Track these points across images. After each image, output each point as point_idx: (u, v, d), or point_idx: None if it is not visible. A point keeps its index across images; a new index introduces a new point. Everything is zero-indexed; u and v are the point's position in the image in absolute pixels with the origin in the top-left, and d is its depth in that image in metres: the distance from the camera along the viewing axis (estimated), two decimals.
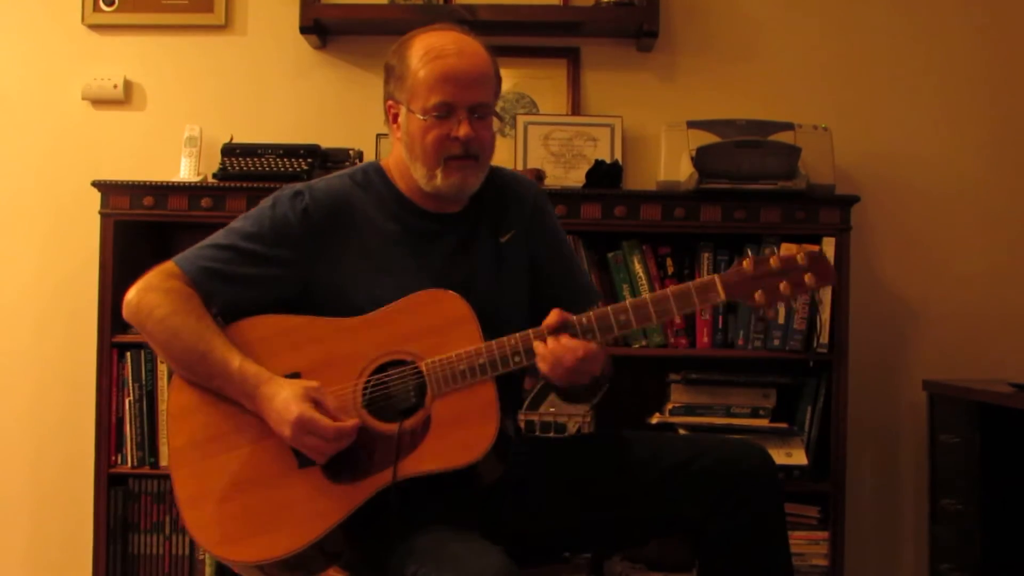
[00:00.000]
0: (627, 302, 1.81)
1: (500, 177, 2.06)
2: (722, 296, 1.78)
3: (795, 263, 1.78)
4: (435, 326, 1.82)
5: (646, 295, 1.83)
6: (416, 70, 1.87)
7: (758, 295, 1.78)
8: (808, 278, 1.77)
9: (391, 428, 1.78)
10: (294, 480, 1.78)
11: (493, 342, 1.79)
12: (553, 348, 1.77)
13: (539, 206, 2.07)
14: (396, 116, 1.95)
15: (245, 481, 1.80)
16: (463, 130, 1.86)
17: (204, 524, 1.80)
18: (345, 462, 1.78)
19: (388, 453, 1.77)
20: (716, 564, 1.85)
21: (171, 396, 1.87)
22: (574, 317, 1.80)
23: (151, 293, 1.85)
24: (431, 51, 1.88)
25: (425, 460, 1.76)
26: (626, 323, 1.80)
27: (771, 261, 1.78)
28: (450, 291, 1.82)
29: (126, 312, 1.87)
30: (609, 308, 1.80)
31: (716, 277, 1.79)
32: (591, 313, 1.80)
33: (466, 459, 1.75)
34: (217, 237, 1.92)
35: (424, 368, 1.79)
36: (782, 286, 1.77)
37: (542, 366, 1.78)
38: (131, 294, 1.87)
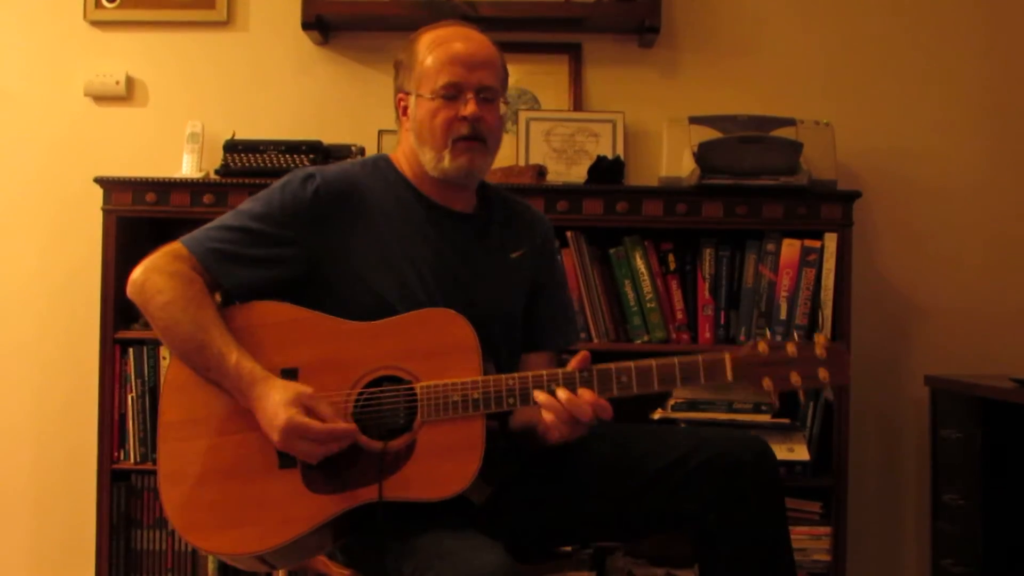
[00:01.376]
0: (632, 364, 1.77)
1: (515, 202, 2.09)
2: (729, 378, 1.74)
3: (812, 354, 1.73)
4: (438, 348, 1.80)
5: (652, 361, 1.78)
6: (424, 57, 1.92)
7: (766, 382, 1.73)
8: (822, 373, 1.73)
9: (375, 445, 1.77)
10: (272, 480, 1.78)
11: (490, 378, 1.78)
12: (570, 402, 1.73)
13: (549, 238, 2.11)
14: (406, 108, 1.97)
15: (225, 470, 1.80)
16: (469, 108, 1.88)
17: (179, 505, 1.80)
18: (323, 471, 1.77)
19: (368, 469, 1.75)
20: (716, 558, 1.85)
21: (171, 368, 1.86)
22: (577, 372, 1.78)
23: (156, 275, 1.84)
24: (438, 39, 1.93)
25: (404, 487, 1.74)
26: (627, 385, 1.77)
27: (788, 348, 1.74)
28: (460, 315, 1.81)
29: (130, 290, 1.87)
30: (612, 367, 1.77)
31: (727, 355, 1.75)
32: (593, 368, 1.78)
33: (443, 493, 1.73)
34: (226, 218, 1.92)
35: (418, 391, 1.78)
36: (793, 377, 1.73)
37: (547, 417, 1.75)
38: (136, 273, 1.86)
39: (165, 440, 1.83)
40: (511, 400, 1.77)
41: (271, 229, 1.88)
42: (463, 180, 1.94)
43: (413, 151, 1.96)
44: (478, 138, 1.90)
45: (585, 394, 1.74)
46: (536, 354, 2.03)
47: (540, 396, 1.75)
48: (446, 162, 1.90)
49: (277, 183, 1.94)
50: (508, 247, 2.01)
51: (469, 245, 1.97)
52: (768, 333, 1.80)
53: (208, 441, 1.81)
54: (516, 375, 1.78)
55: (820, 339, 1.75)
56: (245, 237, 1.88)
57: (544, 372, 1.79)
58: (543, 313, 2.06)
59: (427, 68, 1.90)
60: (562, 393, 1.74)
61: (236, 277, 1.87)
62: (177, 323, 1.82)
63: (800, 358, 1.73)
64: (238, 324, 1.84)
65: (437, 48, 1.91)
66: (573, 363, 1.78)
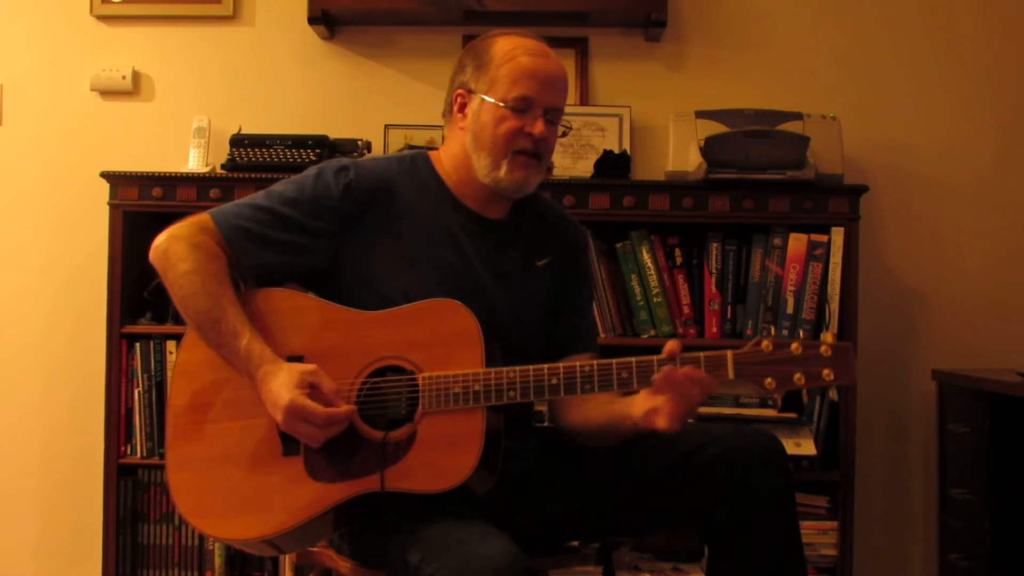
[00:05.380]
0: (633, 360, 1.74)
1: (547, 206, 2.08)
2: (730, 376, 1.70)
3: (817, 354, 1.69)
4: (442, 338, 1.80)
5: (654, 357, 1.73)
6: (502, 61, 1.90)
7: (768, 381, 1.69)
8: (826, 373, 1.68)
9: (376, 435, 1.77)
10: (275, 467, 1.79)
11: (491, 370, 1.77)
12: (685, 379, 1.68)
13: (580, 245, 2.10)
14: (464, 105, 1.95)
15: (230, 456, 1.81)
16: (538, 127, 1.88)
17: (184, 490, 1.82)
18: (325, 458, 1.77)
19: (368, 458, 1.76)
20: (726, 553, 1.85)
21: (181, 353, 1.88)
22: (578, 368, 1.76)
23: (180, 243, 1.83)
24: (520, 47, 1.91)
25: (404, 478, 1.74)
26: (627, 381, 1.75)
27: (792, 346, 1.69)
28: (464, 306, 1.80)
29: (152, 255, 1.86)
30: (613, 362, 1.75)
31: (729, 353, 1.70)
32: (588, 363, 1.76)
33: (441, 486, 1.73)
34: (256, 197, 1.91)
35: (420, 381, 1.78)
36: (796, 376, 1.68)
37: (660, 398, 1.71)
38: (161, 239, 1.86)
39: (174, 425, 1.85)
40: (511, 393, 1.76)
41: (299, 216, 1.87)
42: (514, 193, 1.94)
43: (463, 152, 1.94)
44: (537, 155, 1.91)
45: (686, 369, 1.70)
46: (568, 359, 1.98)
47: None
48: (502, 171, 1.89)
49: (312, 170, 1.93)
50: (534, 254, 2.00)
51: (495, 252, 1.96)
52: (773, 330, 1.76)
53: (214, 427, 1.82)
54: (517, 368, 1.77)
55: (826, 337, 1.71)
56: (272, 219, 1.87)
57: (545, 366, 1.77)
58: (572, 319, 2.04)
59: (504, 73, 1.89)
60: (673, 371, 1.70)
61: (257, 258, 1.87)
62: (196, 295, 1.81)
63: (804, 356, 1.69)
64: (248, 309, 1.84)
65: (519, 57, 1.90)
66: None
